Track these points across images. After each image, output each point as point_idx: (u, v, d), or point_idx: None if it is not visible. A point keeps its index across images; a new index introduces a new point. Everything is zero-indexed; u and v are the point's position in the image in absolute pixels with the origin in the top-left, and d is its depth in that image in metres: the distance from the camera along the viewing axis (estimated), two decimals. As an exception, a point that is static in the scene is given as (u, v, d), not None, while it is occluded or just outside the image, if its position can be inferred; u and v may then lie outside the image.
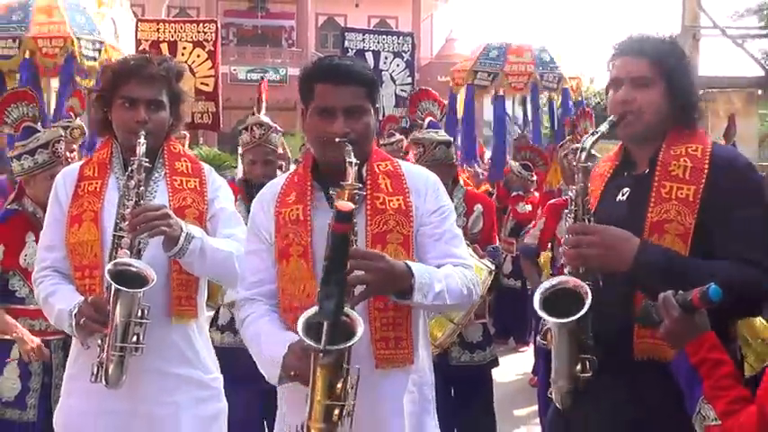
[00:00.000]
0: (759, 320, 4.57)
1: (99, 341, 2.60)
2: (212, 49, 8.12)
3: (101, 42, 8.51)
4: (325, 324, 2.08)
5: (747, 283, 2.25)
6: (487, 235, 4.76)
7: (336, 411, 2.12)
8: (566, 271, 2.38)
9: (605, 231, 2.32)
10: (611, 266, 2.31)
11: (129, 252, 2.60)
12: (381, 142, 7.28)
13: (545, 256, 5.02)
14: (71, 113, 5.87)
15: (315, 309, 2.16)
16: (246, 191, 4.46)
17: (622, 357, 2.34)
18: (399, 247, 2.41)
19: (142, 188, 2.68)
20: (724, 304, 1.99)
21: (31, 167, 3.85)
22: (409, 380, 2.47)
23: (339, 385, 2.14)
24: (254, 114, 4.98)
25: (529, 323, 8.37)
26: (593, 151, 2.47)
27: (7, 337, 3.82)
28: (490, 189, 9.60)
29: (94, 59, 8.35)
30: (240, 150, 5.02)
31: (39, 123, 4.10)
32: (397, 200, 2.44)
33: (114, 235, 2.66)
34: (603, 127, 2.43)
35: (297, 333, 2.25)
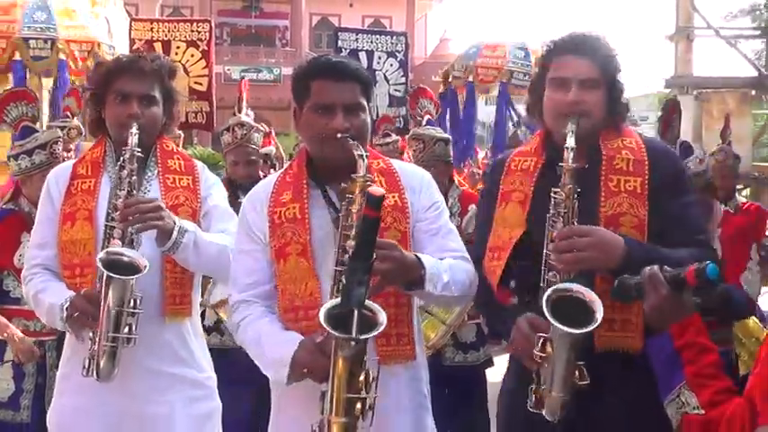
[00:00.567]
0: (752, 320, 4.61)
1: (91, 334, 2.57)
2: (206, 48, 8.12)
3: (51, 40, 8.29)
4: (356, 312, 2.03)
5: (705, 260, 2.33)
6: None
7: (359, 405, 2.07)
8: (549, 275, 2.33)
9: (598, 231, 2.31)
10: (603, 266, 2.29)
11: (121, 242, 2.58)
12: (377, 142, 7.28)
13: None
14: (68, 113, 5.85)
15: (334, 301, 2.12)
16: (230, 191, 4.45)
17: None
18: (397, 243, 2.40)
19: (134, 178, 2.66)
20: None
21: (28, 168, 3.84)
22: (408, 374, 2.47)
23: (361, 378, 2.09)
24: (234, 114, 4.96)
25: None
26: None
27: (0, 338, 3.81)
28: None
29: (46, 57, 8.17)
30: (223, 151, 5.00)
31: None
32: (393, 197, 2.43)
33: (106, 225, 2.65)
34: (572, 128, 2.39)
35: (298, 333, 2.28)
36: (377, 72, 9.02)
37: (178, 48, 8.03)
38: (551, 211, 2.36)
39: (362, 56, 8.94)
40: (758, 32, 16.14)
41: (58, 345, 3.63)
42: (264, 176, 4.06)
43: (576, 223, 2.34)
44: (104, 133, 2.91)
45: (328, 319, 2.06)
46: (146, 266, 2.52)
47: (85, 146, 4.92)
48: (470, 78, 11.16)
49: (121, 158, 2.67)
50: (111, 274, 2.46)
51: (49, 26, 8.29)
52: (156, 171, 2.87)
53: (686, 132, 11.28)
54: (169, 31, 8.12)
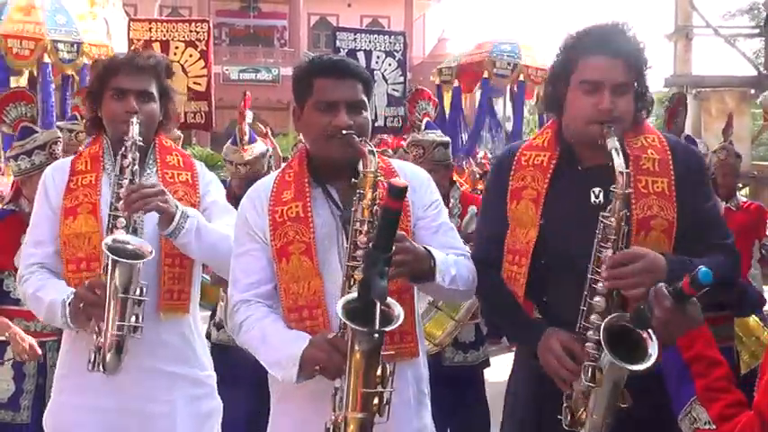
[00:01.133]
0: (753, 319, 4.61)
1: (96, 327, 2.54)
2: (204, 48, 8.11)
3: (78, 43, 8.40)
4: (378, 305, 2.01)
5: (731, 268, 2.36)
6: None
7: (375, 400, 2.08)
8: (596, 300, 2.26)
9: (647, 255, 2.22)
10: (653, 286, 2.18)
11: (125, 231, 2.58)
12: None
13: None
14: (77, 113, 5.85)
15: (351, 296, 2.10)
16: (231, 201, 4.45)
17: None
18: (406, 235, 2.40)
19: (136, 167, 2.65)
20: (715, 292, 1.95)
21: (27, 168, 3.83)
22: (411, 371, 2.48)
23: (378, 372, 2.08)
24: (234, 144, 4.85)
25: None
26: None
27: (1, 338, 3.79)
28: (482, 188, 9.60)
29: (71, 61, 8.25)
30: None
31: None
32: (379, 180, 2.42)
33: (110, 215, 2.63)
34: (615, 144, 2.27)
35: (304, 331, 2.29)
36: (375, 72, 9.00)
37: (177, 48, 8.02)
38: (598, 236, 2.27)
39: (361, 55, 8.92)
40: (757, 31, 16.13)
41: (59, 345, 3.62)
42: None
43: (623, 248, 2.26)
44: (101, 131, 2.90)
45: (347, 313, 2.04)
46: (151, 252, 2.52)
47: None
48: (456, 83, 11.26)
49: (123, 148, 2.66)
50: (117, 258, 2.45)
51: (71, 29, 8.37)
52: (154, 167, 2.87)
53: (686, 131, 11.27)
54: (168, 32, 8.10)
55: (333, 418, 2.13)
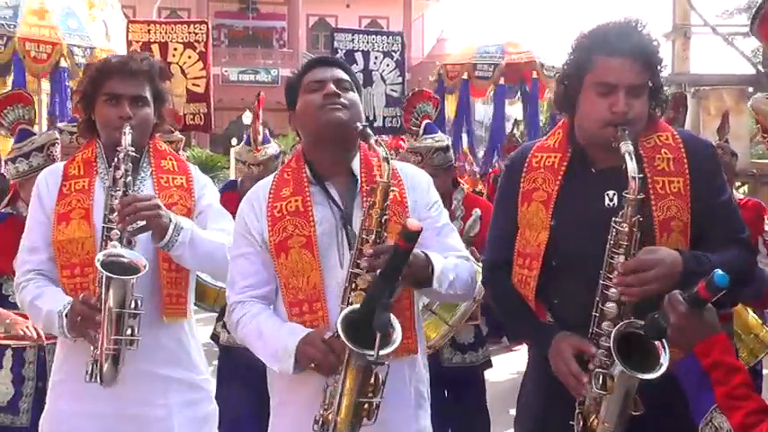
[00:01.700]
0: (751, 316, 4.60)
1: (94, 338, 2.55)
2: (203, 50, 8.11)
3: (91, 48, 8.49)
4: (378, 334, 2.06)
5: (747, 262, 2.36)
6: (485, 238, 4.73)
7: (366, 406, 2.16)
8: (608, 306, 2.24)
9: (664, 261, 2.20)
10: (668, 290, 2.15)
11: (118, 244, 2.57)
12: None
13: None
14: (77, 116, 5.85)
15: (353, 307, 2.17)
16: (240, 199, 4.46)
17: None
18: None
19: (129, 178, 2.65)
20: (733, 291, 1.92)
21: (25, 171, 3.82)
22: (410, 373, 2.49)
23: (371, 381, 2.15)
24: (248, 144, 4.90)
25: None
26: None
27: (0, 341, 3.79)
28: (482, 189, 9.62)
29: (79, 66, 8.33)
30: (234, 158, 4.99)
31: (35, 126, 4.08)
32: (393, 191, 2.43)
33: (104, 227, 2.63)
34: (629, 148, 2.24)
35: (303, 326, 2.34)
36: (373, 72, 9.00)
37: (175, 49, 8.02)
38: (611, 241, 2.25)
39: (359, 56, 8.92)
40: (755, 30, 16.14)
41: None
42: None
43: (635, 254, 2.24)
44: (95, 135, 2.89)
45: (347, 328, 2.11)
46: (145, 266, 2.51)
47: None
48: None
49: (116, 159, 2.66)
50: (110, 275, 2.45)
51: (83, 34, 8.42)
52: (149, 171, 2.87)
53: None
54: (166, 33, 8.10)
55: (323, 413, 2.20)
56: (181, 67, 7.94)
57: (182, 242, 2.63)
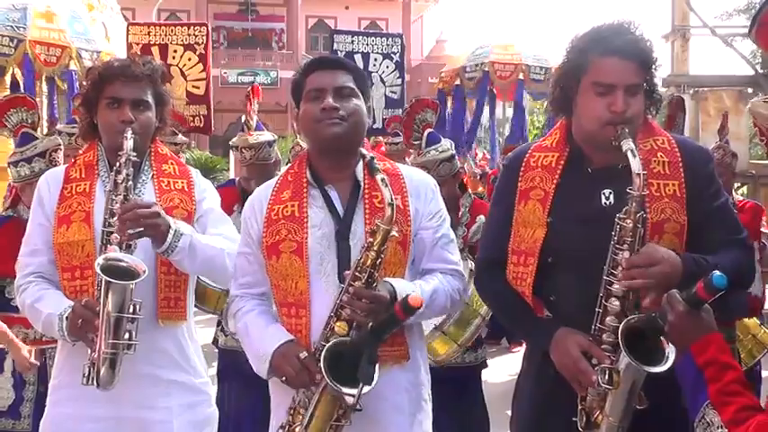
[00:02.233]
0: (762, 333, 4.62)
1: (93, 342, 2.55)
2: (203, 52, 8.13)
3: (98, 51, 8.52)
4: (362, 385, 2.15)
5: (746, 263, 2.36)
6: None
7: (335, 426, 2.28)
8: (611, 302, 2.25)
9: (667, 258, 2.22)
10: (671, 287, 2.17)
11: (118, 248, 2.57)
12: (386, 141, 7.23)
13: None
14: (75, 117, 5.85)
15: (341, 340, 2.26)
16: (243, 197, 4.45)
17: None
18: (398, 245, 2.43)
19: (130, 183, 2.65)
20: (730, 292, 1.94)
21: (27, 175, 3.81)
22: (406, 378, 2.49)
23: (342, 409, 2.27)
24: (242, 130, 4.90)
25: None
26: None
27: (1, 346, 3.79)
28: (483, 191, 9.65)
29: (8, 55, 8.33)
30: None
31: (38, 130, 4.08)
32: (396, 199, 2.44)
33: (103, 231, 2.63)
34: (631, 146, 2.26)
35: (291, 326, 2.43)
36: (373, 74, 9.03)
37: (175, 52, 8.04)
38: (614, 237, 2.27)
39: (358, 58, 8.94)
40: (754, 31, 16.16)
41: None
42: None
43: (639, 250, 2.26)
44: (96, 138, 2.90)
45: (329, 356, 2.21)
46: (145, 271, 2.51)
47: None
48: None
49: (117, 163, 2.66)
50: (110, 279, 2.45)
51: (89, 38, 8.47)
52: (150, 174, 2.87)
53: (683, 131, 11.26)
54: (166, 35, 8.12)
55: (290, 420, 2.34)
56: (180, 69, 7.97)
57: (181, 248, 2.64)
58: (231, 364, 4.45)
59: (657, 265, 2.20)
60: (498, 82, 11.17)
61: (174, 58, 7.97)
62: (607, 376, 2.19)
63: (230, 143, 4.97)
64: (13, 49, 8.18)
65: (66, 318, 2.60)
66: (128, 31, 8.19)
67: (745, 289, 2.56)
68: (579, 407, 2.30)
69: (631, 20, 2.44)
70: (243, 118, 5.07)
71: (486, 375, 4.84)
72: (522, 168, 2.55)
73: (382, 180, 2.31)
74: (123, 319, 2.49)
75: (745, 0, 21.18)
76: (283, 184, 2.58)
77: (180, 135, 6.50)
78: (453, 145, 4.86)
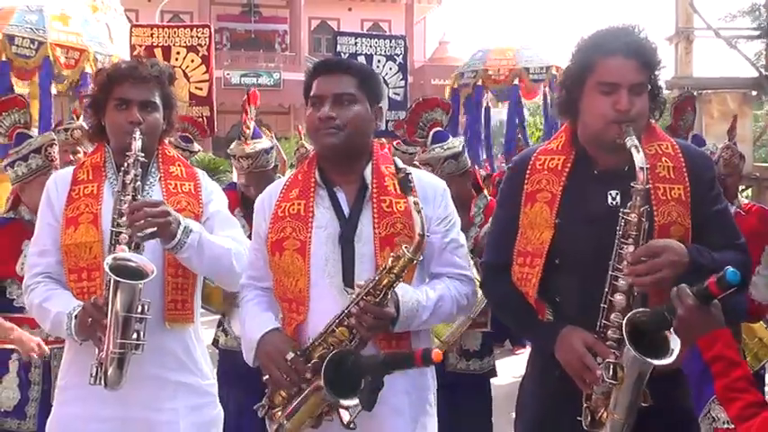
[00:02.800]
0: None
1: (101, 341, 2.56)
2: (206, 53, 8.14)
3: (110, 55, 8.55)
4: (360, 409, 2.20)
5: (744, 265, 2.36)
6: None
7: (317, 421, 2.35)
8: (617, 297, 2.27)
9: (671, 247, 2.25)
10: (676, 278, 2.21)
11: (127, 248, 2.58)
12: (398, 148, 7.22)
13: None
14: (74, 116, 5.87)
15: (339, 357, 2.26)
16: (244, 202, 4.44)
17: None
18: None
19: (138, 183, 2.66)
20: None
21: (25, 174, 3.82)
22: (408, 381, 2.48)
23: (328, 406, 2.31)
24: (240, 138, 4.84)
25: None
26: None
27: (7, 346, 3.79)
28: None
29: (29, 57, 8.35)
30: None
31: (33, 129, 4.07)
32: (404, 202, 2.44)
33: (112, 231, 2.63)
34: (635, 142, 2.29)
35: (289, 320, 2.49)
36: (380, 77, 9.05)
37: (178, 53, 8.05)
38: (619, 232, 2.29)
39: (361, 59, 8.93)
40: (758, 33, 16.11)
41: (64, 353, 3.62)
42: None
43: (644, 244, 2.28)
44: (104, 140, 2.90)
45: (331, 365, 2.23)
46: (153, 271, 2.52)
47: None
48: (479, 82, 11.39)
49: (125, 163, 2.67)
50: (119, 279, 2.46)
51: (102, 41, 8.51)
52: (157, 176, 2.88)
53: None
54: (169, 37, 8.14)
55: (269, 404, 2.43)
56: (183, 70, 7.98)
57: (190, 244, 2.64)
58: (232, 364, 4.43)
59: (663, 254, 2.22)
60: (493, 86, 11.27)
61: (177, 59, 7.97)
62: (611, 371, 2.20)
63: (228, 151, 4.94)
64: (34, 51, 8.19)
65: (76, 316, 2.60)
66: (131, 32, 8.21)
67: (742, 293, 2.56)
68: (584, 405, 2.31)
69: (635, 23, 2.46)
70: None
71: (491, 383, 4.77)
72: (528, 171, 2.56)
73: (415, 203, 2.30)
74: (132, 318, 2.50)
75: (749, 2, 21.12)
76: (293, 182, 2.60)
77: (196, 144, 6.50)
78: (463, 144, 4.75)
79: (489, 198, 4.70)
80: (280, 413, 2.38)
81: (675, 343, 2.08)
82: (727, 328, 1.98)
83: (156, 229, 2.57)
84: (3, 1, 8.58)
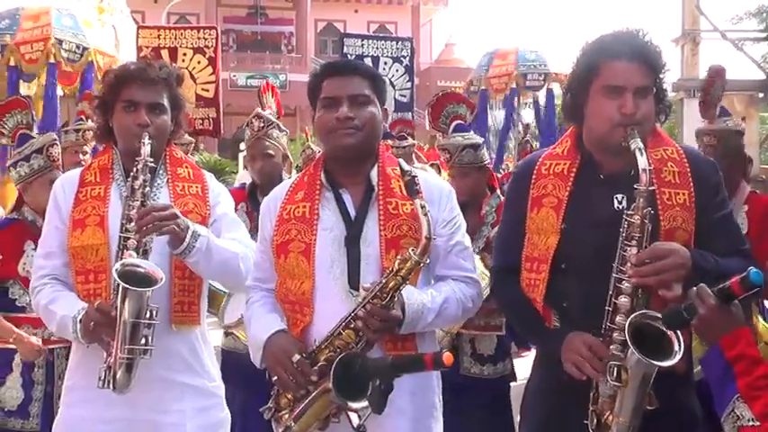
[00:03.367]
0: (762, 324, 4.57)
1: (108, 345, 2.56)
2: (212, 55, 8.17)
3: (85, 47, 8.52)
4: (370, 411, 2.20)
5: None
6: None
7: (324, 423, 2.35)
8: (621, 299, 2.27)
9: (676, 250, 2.25)
10: (681, 281, 2.22)
11: (135, 253, 2.57)
12: (393, 145, 7.21)
13: None
14: (83, 117, 5.88)
15: (348, 358, 2.27)
16: (251, 198, 4.41)
17: None
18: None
19: (147, 188, 2.66)
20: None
21: (27, 174, 3.83)
22: (413, 382, 2.47)
23: (335, 408, 2.31)
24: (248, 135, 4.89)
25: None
26: None
27: (10, 346, 3.80)
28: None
29: (75, 62, 8.39)
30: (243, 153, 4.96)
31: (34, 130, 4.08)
32: (410, 204, 2.44)
33: (120, 236, 2.63)
34: (639, 145, 2.29)
35: (290, 323, 2.50)
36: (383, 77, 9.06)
37: (185, 55, 8.07)
38: (623, 234, 2.29)
39: (368, 61, 8.97)
40: (765, 35, 16.11)
41: (68, 353, 3.61)
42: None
43: (647, 246, 2.28)
44: (111, 141, 2.90)
45: (340, 366, 2.24)
46: (162, 278, 2.52)
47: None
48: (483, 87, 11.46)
49: (134, 169, 2.67)
50: (127, 286, 2.46)
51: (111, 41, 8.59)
52: (165, 178, 2.87)
53: (693, 136, 11.23)
54: (176, 38, 8.17)
55: (275, 402, 2.42)
56: (190, 72, 8.00)
57: (198, 248, 2.64)
58: (234, 365, 4.43)
59: (667, 256, 2.22)
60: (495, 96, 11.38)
61: (183, 61, 8.00)
62: (616, 374, 2.20)
63: (244, 125, 4.91)
64: (79, 56, 8.24)
65: (80, 320, 2.60)
66: (137, 34, 8.24)
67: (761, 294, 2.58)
68: (590, 409, 2.30)
69: (640, 26, 2.47)
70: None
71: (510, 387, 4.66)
72: (534, 176, 2.56)
73: (422, 207, 2.30)
74: (140, 324, 2.50)
75: (756, 4, 21.04)
76: (299, 184, 2.60)
77: (186, 135, 6.47)
78: (484, 144, 4.72)
79: (502, 198, 4.63)
80: (287, 416, 2.37)
81: (679, 344, 2.08)
82: (747, 327, 1.99)
83: (163, 232, 2.58)
84: (3, 2, 8.62)
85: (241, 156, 4.61)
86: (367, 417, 2.20)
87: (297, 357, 2.35)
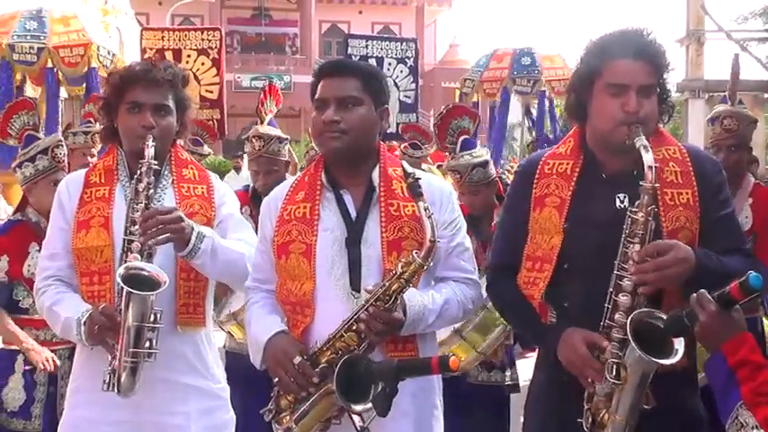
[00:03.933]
0: (766, 324, 4.55)
1: (112, 348, 2.56)
2: (216, 56, 8.17)
3: (113, 53, 8.58)
4: (374, 414, 2.20)
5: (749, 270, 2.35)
6: None
7: (326, 425, 2.35)
8: (621, 297, 2.26)
9: (678, 246, 2.24)
10: (683, 279, 2.22)
11: (139, 256, 2.57)
12: (405, 152, 7.19)
13: None
14: (90, 119, 5.90)
15: (352, 360, 2.25)
16: (254, 201, 4.43)
17: None
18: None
19: (152, 191, 2.65)
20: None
21: (32, 174, 3.83)
22: (414, 383, 2.46)
23: (337, 411, 2.31)
24: (257, 124, 4.93)
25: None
26: None
27: (13, 347, 3.80)
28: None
29: (106, 67, 8.44)
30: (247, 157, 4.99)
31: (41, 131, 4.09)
32: (412, 206, 2.43)
33: (124, 239, 2.63)
34: (644, 142, 2.29)
35: (291, 323, 2.48)
36: (387, 79, 9.06)
37: (189, 56, 8.08)
38: (625, 231, 2.28)
39: (372, 62, 8.95)
40: (770, 35, 16.09)
41: (71, 354, 3.61)
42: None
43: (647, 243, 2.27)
44: (116, 142, 2.89)
45: (346, 367, 2.22)
46: (166, 282, 2.52)
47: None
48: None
49: (138, 171, 2.66)
50: (131, 290, 2.45)
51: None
52: (170, 180, 2.86)
53: (697, 136, 11.23)
54: (180, 40, 8.17)
55: (276, 404, 2.41)
56: (194, 73, 8.00)
57: (204, 250, 2.64)
58: (236, 365, 4.43)
59: (670, 252, 2.21)
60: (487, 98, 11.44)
61: (187, 62, 8.01)
62: (614, 371, 2.19)
63: (243, 137, 4.95)
64: (80, 57, 8.27)
65: (84, 323, 2.60)
66: (142, 35, 8.24)
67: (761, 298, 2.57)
68: (585, 407, 2.29)
69: (644, 25, 2.46)
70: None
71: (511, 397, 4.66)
72: (537, 176, 2.55)
73: (426, 209, 2.30)
74: (144, 328, 2.50)
75: (761, 4, 21.00)
76: (299, 185, 2.59)
77: (205, 146, 6.48)
78: (490, 153, 4.74)
79: None
80: (288, 417, 2.37)
81: (679, 343, 2.07)
82: (749, 333, 1.97)
83: (169, 235, 2.57)
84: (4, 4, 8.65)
85: (246, 145, 4.62)
86: (371, 420, 2.19)
87: (298, 359, 2.35)
